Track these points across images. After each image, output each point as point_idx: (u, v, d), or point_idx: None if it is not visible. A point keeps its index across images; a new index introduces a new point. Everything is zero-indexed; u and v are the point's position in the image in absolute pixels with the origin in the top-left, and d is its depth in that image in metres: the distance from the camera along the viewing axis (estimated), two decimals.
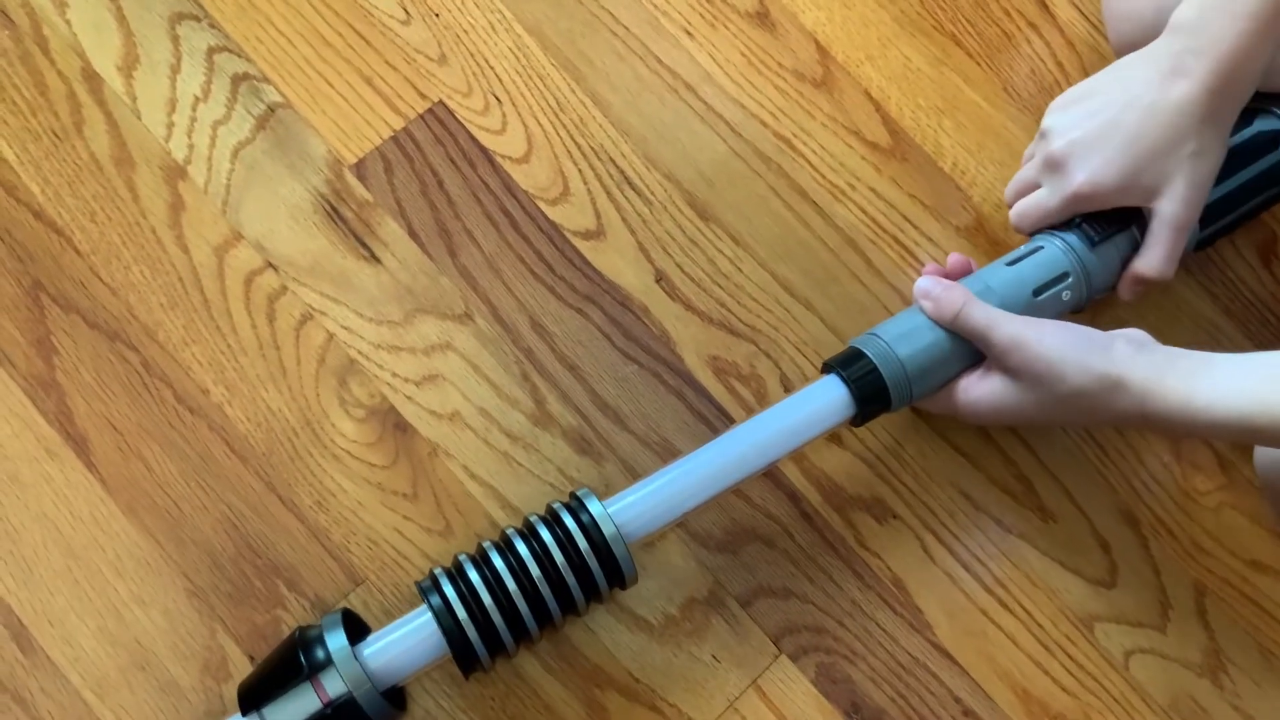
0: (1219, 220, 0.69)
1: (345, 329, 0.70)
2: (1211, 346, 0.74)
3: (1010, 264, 0.64)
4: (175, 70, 0.73)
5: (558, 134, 0.75)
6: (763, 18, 0.79)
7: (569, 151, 0.75)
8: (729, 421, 0.70)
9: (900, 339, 0.62)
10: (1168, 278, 0.65)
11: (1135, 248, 0.66)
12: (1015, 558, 0.70)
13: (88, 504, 0.66)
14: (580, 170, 0.74)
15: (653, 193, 0.74)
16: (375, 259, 0.71)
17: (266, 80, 0.74)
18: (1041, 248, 0.65)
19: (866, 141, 0.77)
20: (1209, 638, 0.69)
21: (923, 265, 0.72)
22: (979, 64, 0.79)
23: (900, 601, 0.69)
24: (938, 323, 0.62)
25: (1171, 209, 0.63)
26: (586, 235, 0.73)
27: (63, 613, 0.64)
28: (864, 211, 0.75)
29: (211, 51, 0.74)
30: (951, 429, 0.71)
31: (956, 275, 0.66)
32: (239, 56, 0.74)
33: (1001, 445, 0.71)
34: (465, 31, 0.76)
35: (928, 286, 0.63)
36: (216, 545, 0.66)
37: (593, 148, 0.75)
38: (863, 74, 0.78)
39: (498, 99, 0.75)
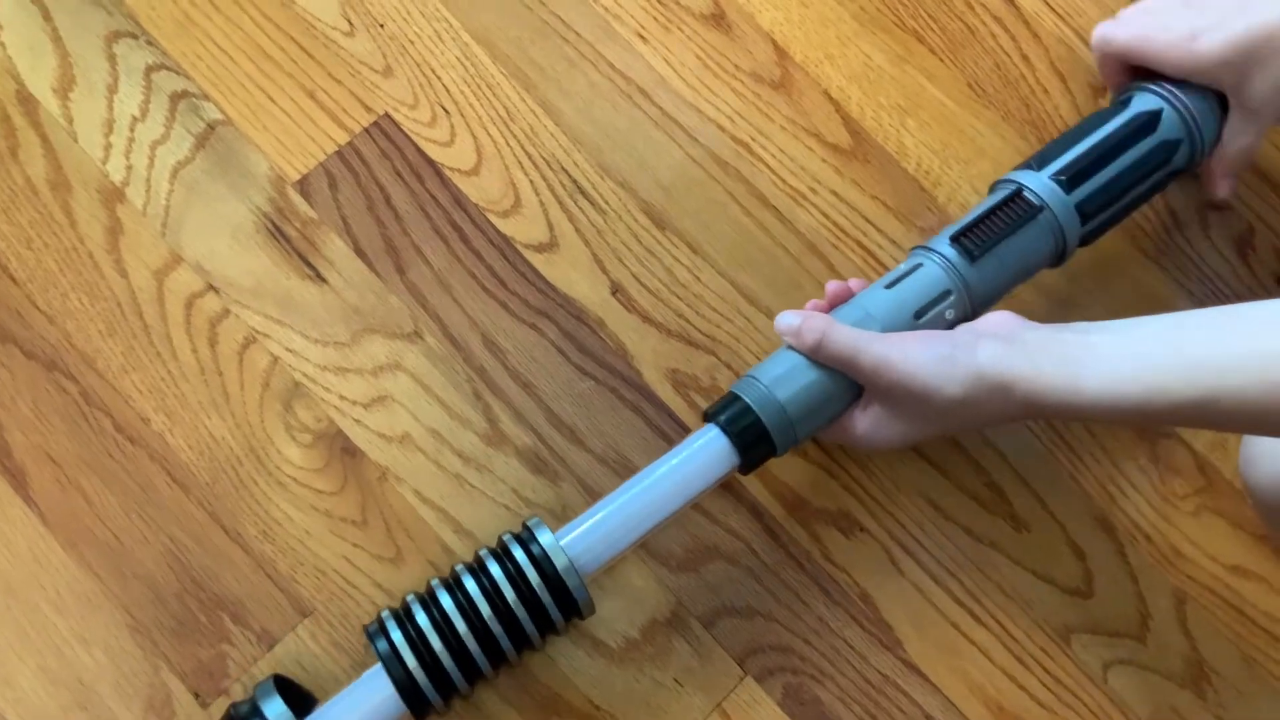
0: (1099, 213, 0.64)
1: (290, 351, 0.68)
2: None
3: (889, 286, 0.61)
4: (113, 90, 0.71)
5: (508, 144, 0.73)
6: (718, 19, 0.76)
7: (520, 162, 0.73)
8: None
9: (779, 381, 0.59)
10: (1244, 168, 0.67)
11: (1020, 258, 0.62)
12: (987, 568, 0.68)
13: (26, 539, 0.64)
14: (532, 181, 0.72)
15: (607, 202, 0.72)
16: (320, 278, 0.69)
17: (206, 97, 0.72)
18: (920, 265, 0.62)
19: (827, 143, 0.75)
20: (1190, 646, 0.67)
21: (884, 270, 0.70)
22: (942, 60, 0.77)
23: (869, 617, 0.66)
24: (806, 356, 0.59)
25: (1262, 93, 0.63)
26: (539, 248, 0.71)
27: (1, 653, 0.62)
28: (826, 216, 0.73)
29: (149, 70, 0.72)
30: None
31: (838, 302, 0.63)
32: (177, 74, 0.72)
33: (971, 452, 0.69)
34: (411, 42, 0.74)
35: (788, 321, 0.60)
36: (159, 579, 0.64)
37: (544, 157, 0.73)
38: (822, 74, 0.76)
39: (445, 110, 0.73)
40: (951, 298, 0.61)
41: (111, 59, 0.72)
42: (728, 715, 0.64)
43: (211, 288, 0.68)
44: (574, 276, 0.71)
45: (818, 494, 0.68)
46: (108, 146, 0.70)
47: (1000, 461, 0.69)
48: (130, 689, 0.62)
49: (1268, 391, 0.49)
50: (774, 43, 0.76)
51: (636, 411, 0.69)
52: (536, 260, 0.71)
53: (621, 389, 0.69)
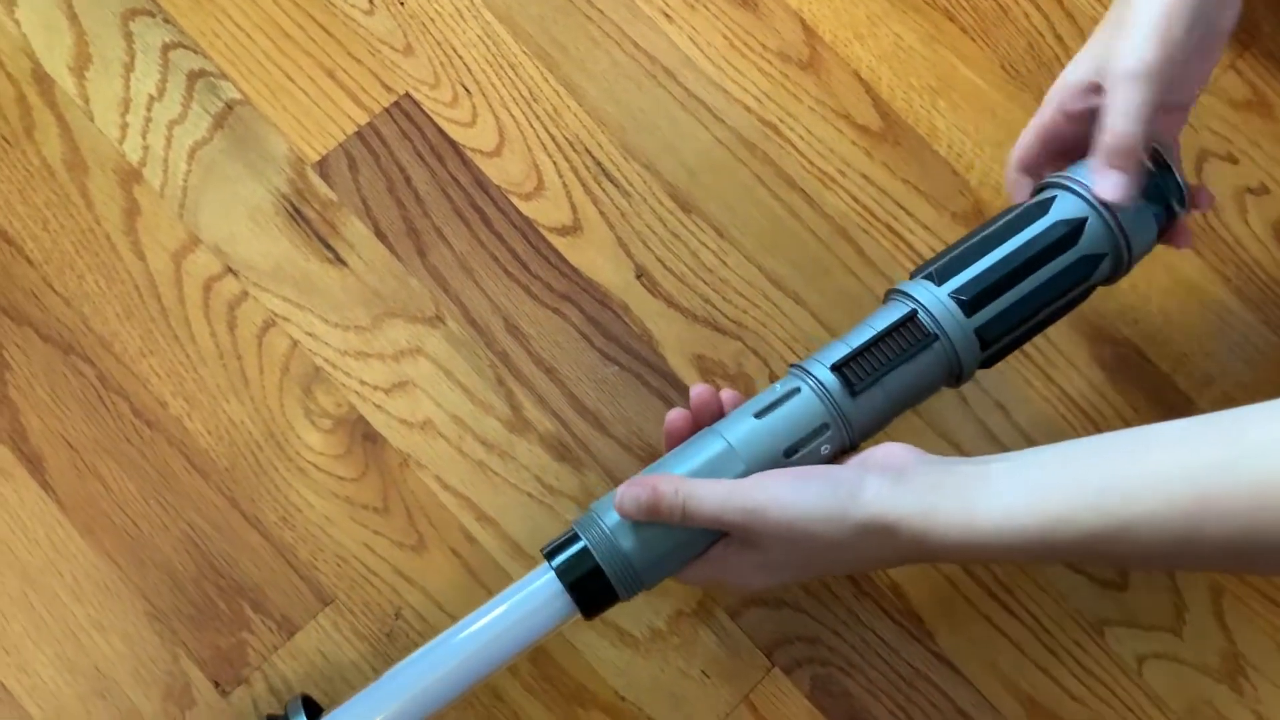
0: (1002, 338, 0.56)
1: (310, 335, 0.66)
2: (1224, 332, 0.71)
3: (759, 414, 0.53)
4: (129, 69, 0.70)
5: (531, 125, 0.71)
6: None
7: (543, 143, 0.71)
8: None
9: (624, 524, 0.52)
10: (1130, 137, 0.54)
11: (907, 388, 0.55)
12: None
13: (43, 525, 0.63)
14: (555, 163, 0.71)
15: (632, 185, 0.71)
16: (340, 261, 0.68)
17: (224, 76, 0.70)
18: (797, 390, 0.54)
19: (857, 125, 0.73)
20: (1227, 640, 0.66)
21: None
22: (974, 40, 0.75)
23: (899, 609, 0.65)
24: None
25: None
26: (563, 231, 0.70)
27: (18, 639, 0.61)
28: (855, 199, 0.72)
29: (166, 48, 0.70)
30: (947, 424, 0.68)
31: (704, 414, 0.56)
32: (195, 52, 0.71)
33: (1003, 440, 0.68)
34: (432, 20, 0.73)
35: (633, 497, 0.51)
36: (178, 566, 0.63)
37: (568, 139, 0.71)
38: (852, 54, 0.74)
39: (467, 90, 0.72)
40: (829, 432, 0.53)
41: (128, 37, 0.70)
42: (755, 707, 0.63)
43: (230, 270, 0.67)
44: (598, 260, 0.69)
45: None
46: (124, 126, 0.69)
47: None
48: (149, 677, 0.61)
49: (1180, 516, 0.44)
50: (802, 22, 0.75)
51: (661, 397, 0.67)
52: (559, 244, 0.70)
53: (646, 375, 0.68)
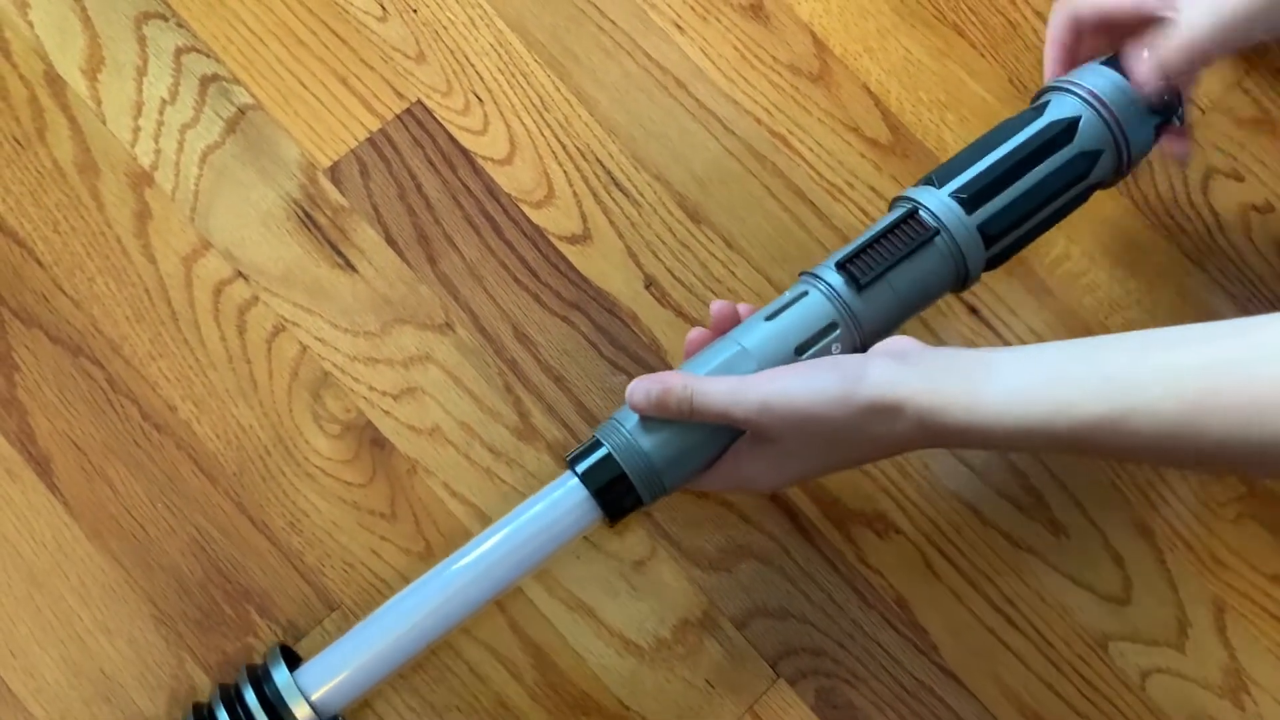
0: (1005, 235, 0.57)
1: (319, 341, 0.67)
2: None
3: (770, 318, 0.55)
4: (142, 72, 0.70)
5: (542, 134, 0.72)
6: (756, 10, 0.75)
7: (554, 152, 0.71)
8: None
9: (644, 427, 0.53)
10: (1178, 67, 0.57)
11: (914, 285, 0.56)
12: (1025, 574, 0.66)
13: (50, 528, 0.63)
14: (565, 171, 0.71)
15: (641, 194, 0.71)
16: (351, 267, 0.68)
17: (237, 81, 0.70)
18: (805, 293, 0.56)
19: (865, 138, 0.73)
20: (1229, 656, 0.66)
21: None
22: (983, 55, 0.75)
23: (903, 621, 0.65)
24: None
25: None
26: (572, 239, 0.70)
27: (24, 642, 0.61)
28: (864, 211, 0.72)
29: (179, 52, 0.71)
30: None
31: (724, 326, 0.57)
32: (208, 57, 0.71)
33: (1010, 455, 0.68)
34: (444, 27, 0.73)
35: (644, 390, 0.53)
36: (185, 570, 0.63)
37: (578, 148, 0.72)
38: (861, 67, 0.75)
39: (479, 98, 0.72)
40: (837, 331, 0.55)
41: (141, 40, 0.71)
42: (759, 718, 0.63)
43: (240, 275, 0.67)
44: (607, 269, 0.70)
45: (852, 495, 0.67)
46: (136, 129, 0.69)
47: (1039, 466, 0.68)
48: (154, 680, 0.61)
49: (1182, 407, 0.44)
50: (813, 35, 0.75)
51: None
52: (569, 252, 0.70)
53: None
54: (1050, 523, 0.67)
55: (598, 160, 0.72)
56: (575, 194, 0.71)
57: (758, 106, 0.73)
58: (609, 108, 0.72)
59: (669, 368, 0.68)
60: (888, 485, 0.67)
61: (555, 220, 0.70)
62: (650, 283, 0.70)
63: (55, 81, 0.69)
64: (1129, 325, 0.70)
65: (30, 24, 0.70)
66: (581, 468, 0.54)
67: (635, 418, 0.54)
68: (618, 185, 0.71)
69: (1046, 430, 0.47)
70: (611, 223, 0.70)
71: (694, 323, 0.69)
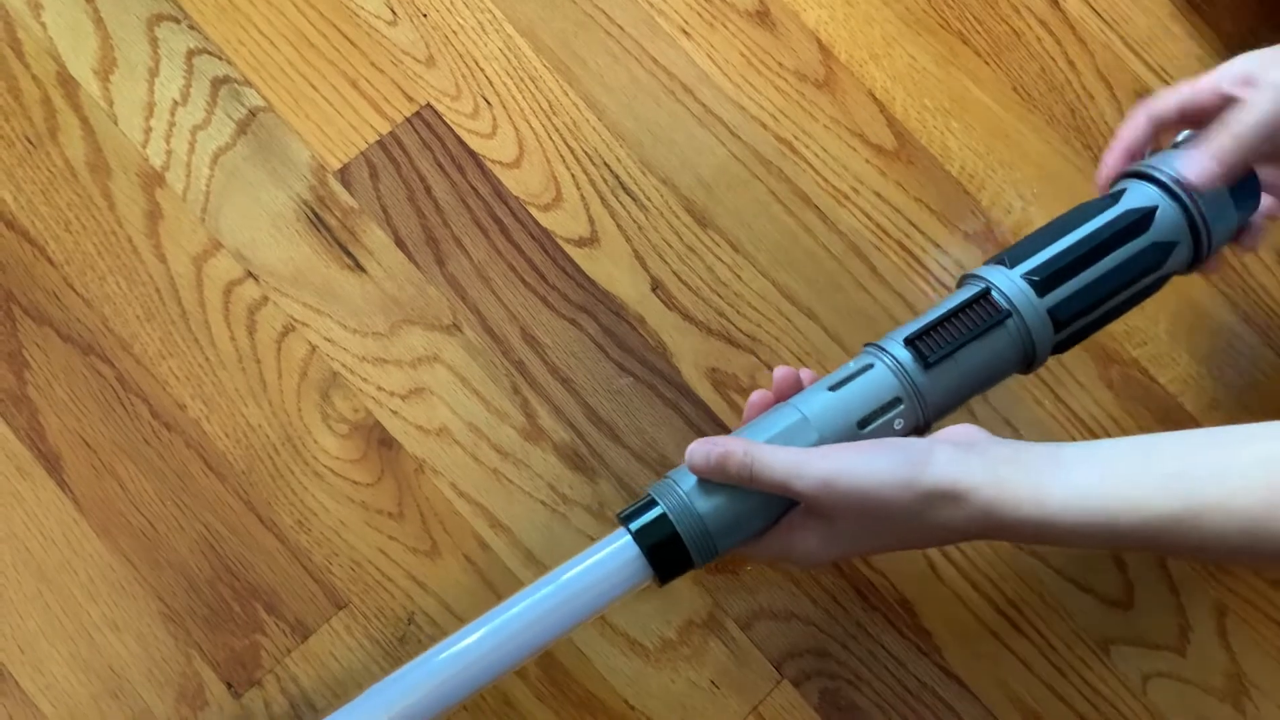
0: (1075, 320, 0.57)
1: (328, 341, 0.67)
2: (1232, 356, 0.71)
3: (833, 388, 0.54)
4: (154, 74, 0.71)
5: (550, 138, 0.72)
6: (763, 16, 0.76)
7: (561, 156, 0.72)
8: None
9: (700, 489, 0.52)
10: (1245, 144, 0.56)
11: (982, 365, 0.55)
12: (1028, 577, 0.67)
13: (60, 525, 0.63)
14: (573, 175, 0.72)
15: (649, 198, 0.72)
16: (360, 268, 0.69)
17: (248, 83, 0.71)
18: (870, 366, 0.54)
19: (870, 144, 0.74)
20: (1230, 660, 0.66)
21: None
22: (987, 63, 0.76)
23: (907, 623, 0.66)
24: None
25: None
26: (580, 243, 0.70)
27: (33, 638, 0.62)
28: (868, 217, 0.73)
29: (191, 54, 0.71)
30: None
31: (786, 391, 0.56)
32: (219, 59, 0.71)
33: None
34: (454, 32, 0.73)
35: (703, 454, 0.52)
36: (193, 567, 0.63)
37: (586, 152, 0.72)
38: (866, 74, 0.75)
39: (488, 102, 0.72)
40: (901, 406, 0.54)
41: (153, 42, 0.71)
42: (764, 718, 0.64)
43: (250, 275, 0.68)
44: (614, 272, 0.70)
45: None
46: (148, 130, 0.70)
47: None
48: (162, 677, 0.62)
49: (1254, 503, 0.44)
50: (818, 41, 0.76)
51: (675, 409, 0.68)
52: (577, 255, 0.70)
53: (660, 386, 0.68)
54: None
55: (605, 164, 0.72)
56: (583, 197, 0.71)
57: (764, 112, 0.74)
58: (616, 112, 0.73)
59: (674, 371, 0.68)
60: None
61: (563, 223, 0.71)
62: (657, 286, 0.70)
63: (68, 82, 0.70)
64: (1130, 332, 0.71)
65: (43, 25, 0.71)
66: (636, 526, 0.53)
67: (692, 479, 0.53)
68: (625, 189, 0.72)
69: (1113, 528, 0.47)
70: (619, 226, 0.71)
71: (699, 326, 0.70)
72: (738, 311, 0.70)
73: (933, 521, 0.50)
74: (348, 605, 0.63)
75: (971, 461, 0.49)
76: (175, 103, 0.70)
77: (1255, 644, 0.67)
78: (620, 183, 0.72)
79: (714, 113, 0.74)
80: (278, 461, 0.65)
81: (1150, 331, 0.71)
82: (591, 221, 0.71)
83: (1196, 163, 0.57)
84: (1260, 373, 0.71)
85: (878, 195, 0.73)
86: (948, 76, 0.76)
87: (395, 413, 0.66)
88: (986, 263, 0.58)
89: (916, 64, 0.76)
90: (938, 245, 0.72)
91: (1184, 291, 0.72)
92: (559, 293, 0.69)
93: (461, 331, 0.68)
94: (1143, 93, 0.75)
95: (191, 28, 0.72)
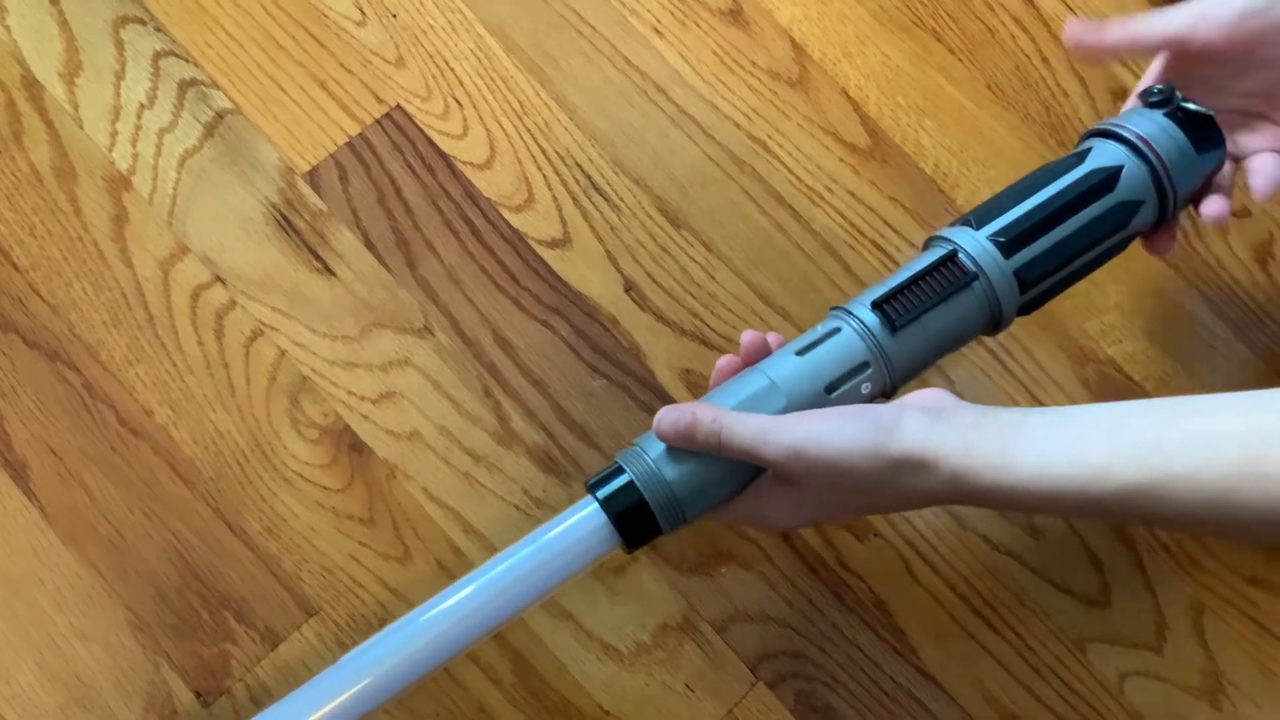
0: (1041, 281, 0.56)
1: (298, 345, 0.66)
2: (1207, 353, 0.71)
3: (801, 352, 0.54)
4: (120, 76, 0.70)
5: (521, 138, 0.72)
6: (735, 15, 0.75)
7: (533, 156, 0.71)
8: None
9: (667, 456, 0.52)
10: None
11: (949, 328, 0.55)
12: (1004, 577, 0.66)
13: (26, 533, 0.63)
14: (545, 176, 0.71)
15: (621, 199, 0.71)
16: (329, 271, 0.68)
17: (215, 85, 0.70)
18: (838, 330, 0.54)
19: (844, 143, 0.74)
20: (1207, 658, 0.66)
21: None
22: (961, 61, 0.76)
23: (883, 624, 0.65)
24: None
25: None
26: (552, 244, 0.70)
27: None
28: (842, 216, 0.72)
29: (157, 56, 0.71)
30: None
31: (754, 357, 0.56)
32: (186, 61, 0.71)
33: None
34: (424, 32, 0.73)
35: (671, 420, 0.51)
36: (161, 575, 0.63)
37: (558, 152, 0.72)
38: (840, 72, 0.75)
39: (458, 102, 0.72)
40: (869, 370, 0.54)
41: (119, 45, 0.70)
42: None
43: (218, 279, 0.67)
44: (587, 274, 0.70)
45: None
46: (114, 134, 0.69)
47: None
48: (130, 687, 0.61)
49: (1222, 476, 0.44)
50: (792, 40, 0.75)
51: (649, 411, 0.67)
52: (549, 256, 0.70)
53: (634, 388, 0.68)
54: (1029, 526, 0.67)
55: (577, 165, 0.72)
56: (555, 198, 0.71)
57: (737, 111, 0.74)
58: (589, 112, 0.73)
59: (648, 372, 0.68)
60: None
61: (535, 224, 0.70)
62: (630, 287, 0.70)
63: (32, 86, 0.69)
64: (1105, 330, 0.71)
65: (7, 28, 0.70)
66: (603, 493, 0.53)
67: (660, 446, 0.53)
68: (597, 190, 0.71)
69: (1082, 496, 0.47)
70: (591, 227, 0.71)
71: (673, 326, 0.69)
72: (711, 312, 0.70)
73: (902, 488, 0.50)
74: (318, 612, 0.63)
75: (939, 428, 0.49)
76: (142, 105, 0.70)
77: (1232, 642, 0.66)
78: (593, 183, 0.71)
79: (687, 112, 0.73)
80: (246, 468, 0.64)
81: (1125, 330, 0.71)
82: (564, 222, 0.70)
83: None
84: (1235, 369, 0.71)
85: (851, 194, 0.73)
86: (921, 74, 0.75)
87: (366, 417, 0.66)
88: (952, 223, 0.58)
89: (890, 62, 0.75)
90: (912, 244, 0.72)
91: (1159, 288, 0.72)
92: (531, 294, 0.69)
93: (433, 334, 0.68)
94: (1117, 90, 0.75)
95: (158, 30, 0.71)
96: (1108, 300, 0.71)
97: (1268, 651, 0.66)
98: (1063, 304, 0.71)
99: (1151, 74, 0.61)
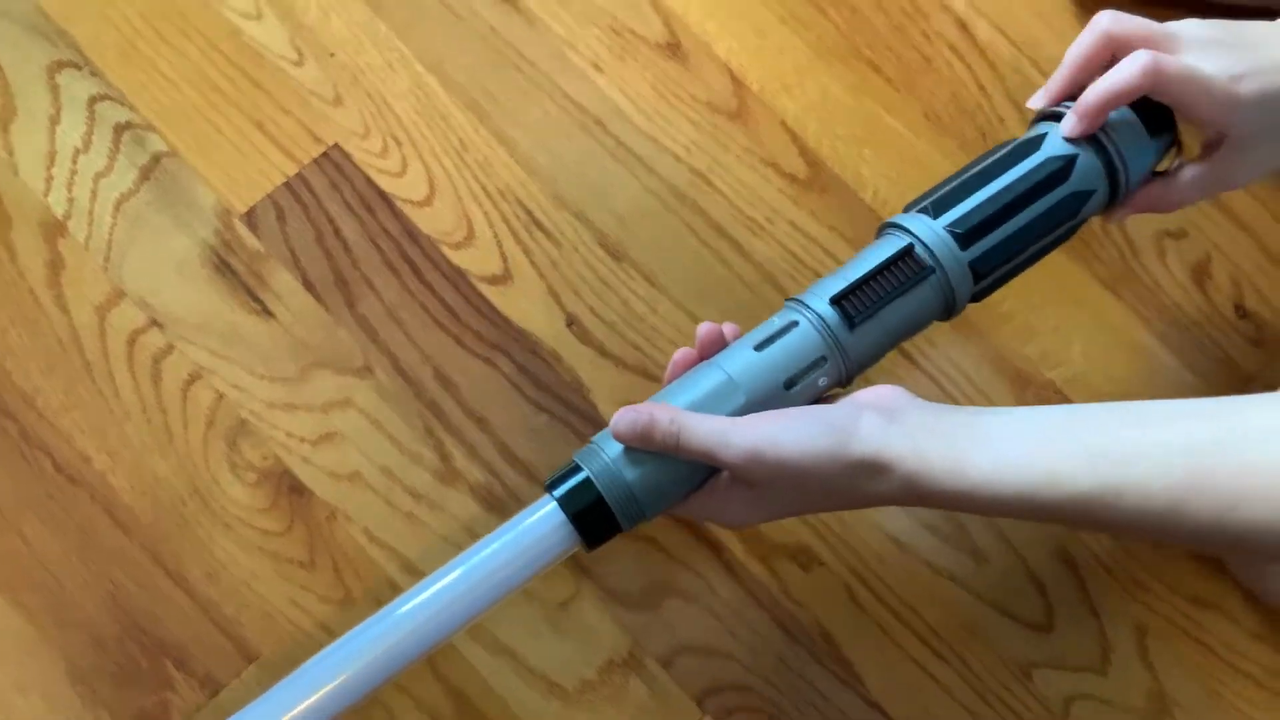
0: (994, 271, 0.57)
1: (236, 388, 0.66)
2: (1148, 375, 0.72)
3: (759, 347, 0.54)
4: (55, 121, 0.70)
5: (461, 175, 0.72)
6: (674, 49, 0.76)
7: (473, 193, 0.72)
8: None
9: (625, 454, 0.52)
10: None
11: (904, 320, 0.56)
12: (948, 603, 0.67)
13: None
14: (485, 212, 0.71)
15: (562, 234, 0.71)
16: (268, 312, 0.68)
17: (151, 128, 0.70)
18: (795, 324, 0.54)
19: (784, 173, 0.74)
20: (1152, 679, 0.66)
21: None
22: (898, 90, 0.76)
23: (829, 654, 0.65)
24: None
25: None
26: (493, 280, 0.70)
27: None
28: (783, 245, 0.73)
29: (93, 100, 0.70)
30: None
31: (710, 349, 0.56)
32: (122, 104, 0.70)
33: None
34: (362, 71, 0.73)
35: (628, 420, 0.51)
36: (100, 624, 0.62)
37: (499, 189, 0.72)
38: (779, 104, 0.76)
39: (397, 140, 0.72)
40: (826, 365, 0.54)
41: (54, 90, 0.70)
42: None
43: (155, 323, 0.67)
44: (529, 309, 0.70)
45: (775, 529, 0.67)
46: (49, 179, 0.69)
47: None
48: None
49: (1171, 487, 0.45)
50: (730, 72, 0.76)
51: None
52: (490, 293, 0.70)
53: (577, 423, 0.68)
54: (972, 551, 0.68)
55: (518, 200, 0.72)
56: (496, 235, 0.71)
57: (677, 144, 0.74)
58: (529, 148, 0.73)
59: (591, 406, 0.68)
60: (810, 517, 0.67)
61: (476, 261, 0.70)
62: (572, 321, 0.70)
63: None
64: (1044, 354, 0.71)
65: None
66: (560, 492, 0.53)
67: (618, 444, 0.53)
68: (538, 225, 0.71)
69: (1032, 501, 0.47)
70: (533, 262, 0.71)
71: (616, 360, 0.69)
72: (654, 345, 0.70)
73: (858, 490, 0.50)
74: (259, 658, 0.62)
75: (894, 432, 0.49)
76: (77, 150, 0.69)
77: (1176, 662, 0.67)
78: (533, 219, 0.71)
79: (627, 146, 0.74)
80: (185, 513, 0.64)
81: (1065, 353, 0.72)
82: (505, 259, 0.70)
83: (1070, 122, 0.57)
84: (1175, 390, 0.72)
85: (792, 224, 0.73)
86: (859, 104, 0.76)
87: (305, 459, 0.65)
88: (908, 208, 0.58)
89: (828, 93, 0.76)
90: None
91: (1097, 311, 0.73)
92: (473, 332, 0.69)
93: (373, 374, 0.67)
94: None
95: (93, 74, 0.71)
96: (1046, 323, 0.72)
97: (1212, 672, 0.67)
98: (1001, 329, 0.71)
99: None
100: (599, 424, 0.68)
